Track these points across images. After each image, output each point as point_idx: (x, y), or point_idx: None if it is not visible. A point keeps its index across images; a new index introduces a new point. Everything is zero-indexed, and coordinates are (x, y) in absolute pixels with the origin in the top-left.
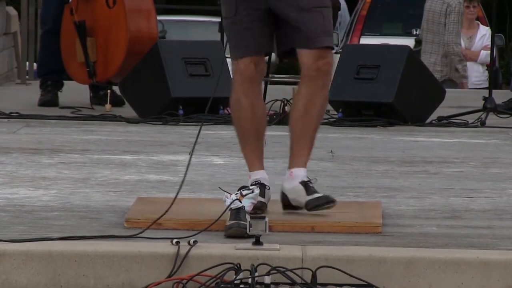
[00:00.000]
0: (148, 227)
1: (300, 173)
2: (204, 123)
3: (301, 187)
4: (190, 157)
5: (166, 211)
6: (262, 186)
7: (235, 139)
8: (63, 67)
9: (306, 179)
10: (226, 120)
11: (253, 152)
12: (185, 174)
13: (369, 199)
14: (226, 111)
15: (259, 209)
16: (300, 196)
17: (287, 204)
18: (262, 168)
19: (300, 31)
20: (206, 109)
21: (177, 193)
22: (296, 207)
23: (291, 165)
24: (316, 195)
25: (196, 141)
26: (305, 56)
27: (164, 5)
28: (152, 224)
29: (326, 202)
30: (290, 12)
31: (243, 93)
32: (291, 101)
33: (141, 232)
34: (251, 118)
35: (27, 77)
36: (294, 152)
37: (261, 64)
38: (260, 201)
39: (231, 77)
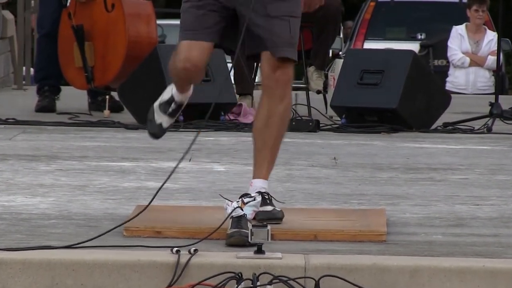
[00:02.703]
0: (146, 235)
1: (258, 184)
2: (204, 130)
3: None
4: (178, 164)
5: (139, 214)
6: (178, 106)
7: (236, 146)
8: (60, 72)
9: (263, 190)
10: (227, 126)
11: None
12: (168, 178)
13: (373, 207)
14: (227, 117)
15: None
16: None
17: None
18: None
19: (263, 39)
20: (207, 115)
21: (152, 198)
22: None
23: (253, 176)
24: (267, 208)
25: (190, 147)
26: (265, 65)
27: (163, 9)
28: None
29: (271, 218)
30: (256, 19)
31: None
32: (293, 107)
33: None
34: (183, 61)
35: (23, 82)
36: (255, 164)
37: (207, 57)
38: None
39: (232, 82)
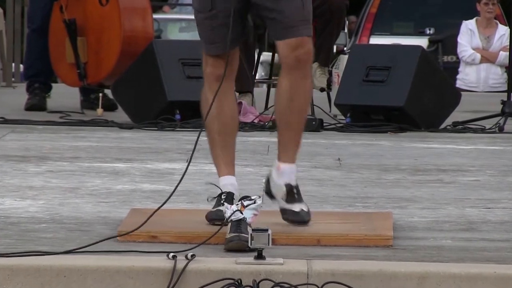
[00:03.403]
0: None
1: (287, 171)
2: (201, 129)
3: (284, 190)
4: (187, 166)
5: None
6: (228, 195)
7: (235, 147)
8: (51, 69)
9: (293, 183)
10: None
11: (219, 156)
12: (179, 182)
13: (379, 210)
14: None
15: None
16: (280, 197)
17: (269, 191)
18: (230, 173)
19: (276, 21)
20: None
21: (164, 202)
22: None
23: (279, 158)
24: (295, 208)
25: (194, 149)
26: (282, 47)
27: (160, 2)
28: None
29: (299, 221)
30: (266, 3)
31: (209, 90)
32: None
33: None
34: (217, 117)
35: (13, 79)
36: (281, 145)
37: (234, 60)
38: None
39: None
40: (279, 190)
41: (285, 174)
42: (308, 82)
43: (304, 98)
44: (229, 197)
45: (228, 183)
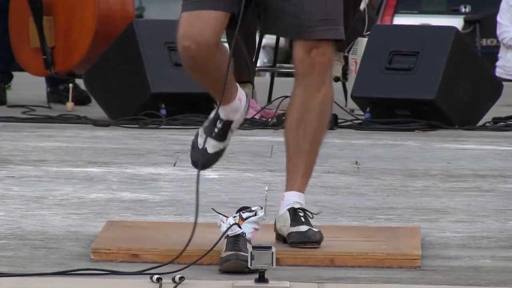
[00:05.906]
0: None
1: (291, 198)
2: (192, 127)
3: (288, 215)
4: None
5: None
6: (225, 124)
7: (232, 147)
8: (12, 55)
9: (296, 206)
10: None
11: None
12: (197, 196)
13: (404, 224)
14: None
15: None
16: (285, 226)
17: (278, 234)
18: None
19: (289, 17)
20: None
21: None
22: (285, 240)
23: (285, 188)
24: (301, 228)
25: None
26: (296, 48)
27: None
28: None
29: (305, 241)
30: None
31: (190, 68)
32: None
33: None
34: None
35: None
36: (288, 172)
37: (213, 30)
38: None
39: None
40: (284, 220)
41: (288, 202)
42: (324, 93)
43: (320, 112)
44: (225, 127)
45: (229, 110)
